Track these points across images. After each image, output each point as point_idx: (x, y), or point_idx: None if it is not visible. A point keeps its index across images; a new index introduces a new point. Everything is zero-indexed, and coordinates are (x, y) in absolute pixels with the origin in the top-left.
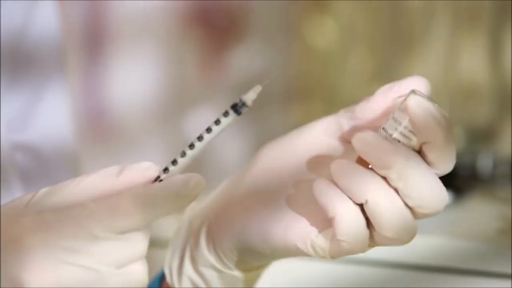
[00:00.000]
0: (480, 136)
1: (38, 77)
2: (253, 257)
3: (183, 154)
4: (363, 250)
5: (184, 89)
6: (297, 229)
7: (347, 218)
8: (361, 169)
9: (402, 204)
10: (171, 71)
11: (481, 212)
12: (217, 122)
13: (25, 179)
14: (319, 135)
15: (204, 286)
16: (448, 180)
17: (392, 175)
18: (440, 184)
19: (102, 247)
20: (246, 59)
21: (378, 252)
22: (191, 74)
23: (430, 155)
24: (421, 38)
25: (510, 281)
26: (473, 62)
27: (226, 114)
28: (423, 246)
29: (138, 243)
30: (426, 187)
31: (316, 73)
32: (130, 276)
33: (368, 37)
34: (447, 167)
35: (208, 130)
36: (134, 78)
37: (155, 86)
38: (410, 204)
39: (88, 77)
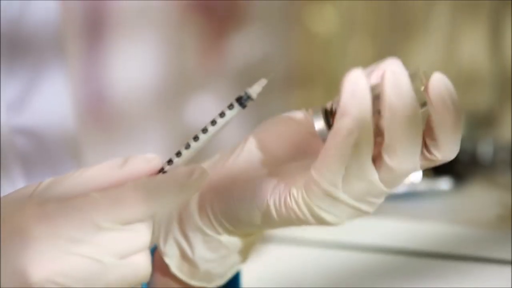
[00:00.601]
0: (480, 123)
1: (36, 61)
2: (240, 224)
3: (188, 146)
4: (336, 189)
5: (184, 76)
6: (277, 189)
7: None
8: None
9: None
10: (171, 57)
11: (481, 198)
12: (222, 114)
13: (25, 164)
14: (304, 120)
15: (188, 249)
16: (448, 167)
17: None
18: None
19: (106, 238)
20: (246, 45)
21: (377, 238)
22: (191, 61)
23: (438, 135)
24: (421, 25)
25: (510, 267)
26: (473, 49)
27: (231, 106)
28: (423, 232)
29: (142, 234)
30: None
31: (316, 60)
32: (133, 267)
33: (368, 24)
34: (450, 152)
35: (213, 122)
36: (135, 65)
37: (155, 73)
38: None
39: (88, 64)
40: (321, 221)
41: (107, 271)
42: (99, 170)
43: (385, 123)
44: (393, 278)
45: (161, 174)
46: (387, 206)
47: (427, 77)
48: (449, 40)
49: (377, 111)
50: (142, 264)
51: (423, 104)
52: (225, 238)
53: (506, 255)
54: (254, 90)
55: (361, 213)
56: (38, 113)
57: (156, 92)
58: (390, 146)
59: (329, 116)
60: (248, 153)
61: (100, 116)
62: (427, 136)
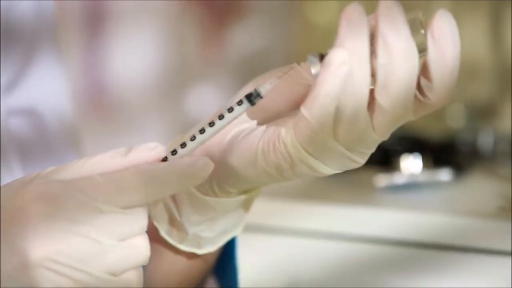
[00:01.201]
0: (480, 114)
1: (29, 47)
2: (227, 179)
3: (193, 138)
4: (329, 133)
5: (184, 67)
6: (267, 133)
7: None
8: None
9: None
10: (171, 48)
11: (481, 189)
12: (230, 109)
13: (22, 151)
14: (298, 73)
15: (175, 211)
16: (448, 157)
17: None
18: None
19: (106, 220)
20: (246, 37)
21: (377, 229)
22: (192, 52)
23: (434, 74)
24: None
25: (510, 259)
26: (473, 40)
27: (240, 102)
28: (423, 224)
29: (140, 218)
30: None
31: (317, 51)
32: (132, 249)
33: (368, 14)
34: (444, 96)
35: (220, 116)
36: (135, 55)
37: (155, 64)
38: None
39: (88, 55)
40: (310, 169)
41: (106, 252)
42: (103, 158)
43: (379, 59)
44: (393, 269)
45: (164, 162)
46: (387, 197)
47: (427, 24)
48: None
49: (373, 52)
50: (141, 246)
51: (422, 49)
52: (212, 199)
53: (506, 246)
54: (265, 88)
55: (351, 163)
56: (32, 95)
57: (156, 83)
58: (383, 85)
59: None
60: (237, 111)
61: (100, 107)
62: (422, 78)
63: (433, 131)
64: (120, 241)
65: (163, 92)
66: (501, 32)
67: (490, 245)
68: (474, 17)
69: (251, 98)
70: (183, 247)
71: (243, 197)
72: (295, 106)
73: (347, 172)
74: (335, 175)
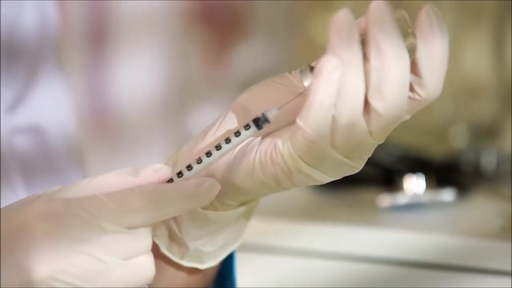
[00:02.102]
0: (483, 134)
1: (32, 66)
2: (225, 192)
3: (199, 161)
4: (326, 142)
5: (188, 86)
6: (263, 144)
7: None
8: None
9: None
10: (175, 67)
11: (484, 209)
12: (237, 133)
13: (26, 170)
14: (289, 82)
15: (175, 227)
16: (451, 177)
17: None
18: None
19: (109, 239)
20: (250, 56)
21: (380, 249)
22: (195, 71)
23: (423, 69)
24: None
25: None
26: (476, 60)
27: (247, 127)
28: (426, 244)
29: (145, 237)
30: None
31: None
32: (136, 268)
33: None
34: (434, 90)
35: (227, 140)
36: (138, 74)
37: (159, 83)
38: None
39: (91, 73)
40: (308, 179)
41: (110, 271)
42: (108, 178)
43: (371, 64)
44: None
45: (170, 183)
46: (390, 217)
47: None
48: (452, 51)
49: (365, 57)
50: (145, 265)
51: (411, 48)
52: (212, 213)
53: (508, 267)
54: (272, 114)
55: (349, 169)
56: (36, 113)
57: (159, 102)
58: (377, 89)
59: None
60: (231, 121)
61: (104, 125)
62: (412, 75)
63: (436, 151)
64: (124, 260)
65: (166, 111)
66: (503, 52)
67: (492, 265)
68: (476, 37)
69: (258, 122)
70: (185, 263)
71: (242, 208)
72: (289, 114)
73: (350, 192)
74: (338, 194)
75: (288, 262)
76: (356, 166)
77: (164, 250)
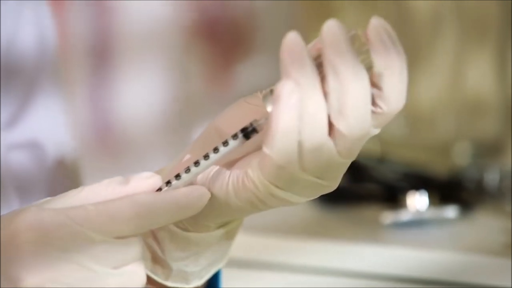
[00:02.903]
0: (486, 150)
1: (29, 84)
2: (205, 216)
3: (188, 170)
4: (295, 166)
5: (191, 103)
6: (234, 173)
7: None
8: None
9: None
10: (178, 84)
11: (487, 226)
12: (225, 143)
13: (23, 186)
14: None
15: (158, 250)
16: (454, 194)
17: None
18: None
19: (98, 249)
20: (252, 72)
21: (382, 266)
22: (198, 88)
23: (383, 82)
24: (427, 51)
25: None
26: (479, 77)
27: (235, 137)
28: (429, 261)
29: (134, 246)
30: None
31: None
32: (126, 277)
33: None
34: (396, 102)
35: (215, 150)
36: (141, 91)
37: (162, 100)
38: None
39: (94, 90)
40: (283, 201)
41: (100, 280)
42: (97, 188)
43: (329, 85)
44: None
45: (159, 192)
46: (393, 234)
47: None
48: (455, 68)
49: (323, 78)
50: (135, 273)
51: (368, 64)
52: (193, 234)
53: (511, 284)
54: (260, 124)
55: (324, 188)
56: (34, 129)
57: (162, 119)
58: (338, 111)
59: None
60: (206, 143)
61: (106, 142)
62: (372, 89)
63: (439, 168)
64: (113, 269)
65: (169, 128)
66: (506, 69)
67: (495, 282)
68: (479, 54)
69: (246, 132)
70: (170, 284)
71: (222, 230)
72: (258, 137)
73: (352, 208)
74: (341, 211)
75: (289, 279)
76: (330, 185)
77: (148, 272)
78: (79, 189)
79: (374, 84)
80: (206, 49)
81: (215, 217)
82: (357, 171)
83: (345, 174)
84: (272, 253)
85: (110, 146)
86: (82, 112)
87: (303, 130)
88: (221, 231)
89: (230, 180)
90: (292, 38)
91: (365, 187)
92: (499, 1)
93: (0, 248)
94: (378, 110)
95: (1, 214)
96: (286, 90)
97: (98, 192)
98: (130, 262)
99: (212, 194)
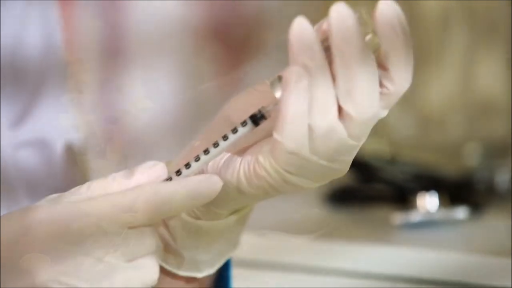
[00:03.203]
0: (497, 152)
1: (36, 81)
2: (217, 203)
3: (197, 159)
4: (307, 151)
5: (201, 104)
6: (245, 160)
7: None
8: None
9: None
10: (188, 85)
11: (497, 227)
12: (234, 130)
13: (31, 184)
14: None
15: (170, 239)
16: (465, 195)
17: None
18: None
19: (111, 240)
20: (263, 73)
21: (393, 267)
22: (208, 89)
23: (389, 63)
24: (437, 52)
25: None
26: (489, 77)
27: (244, 123)
28: (439, 262)
29: (147, 237)
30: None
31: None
32: (140, 270)
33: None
34: (403, 81)
35: (224, 137)
36: (150, 91)
37: (172, 101)
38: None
39: (102, 89)
40: (294, 187)
41: (113, 272)
42: (105, 182)
43: (337, 69)
44: None
45: (170, 181)
46: (403, 235)
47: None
48: (465, 69)
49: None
50: (149, 266)
51: (374, 45)
52: (205, 222)
53: None
54: (268, 110)
55: (335, 173)
56: (41, 128)
57: (171, 121)
58: (347, 93)
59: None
60: (216, 132)
61: (114, 142)
62: (379, 70)
63: (449, 169)
64: (127, 261)
65: (179, 130)
66: None
67: (506, 284)
68: (490, 55)
69: (255, 118)
70: (182, 273)
71: (234, 217)
72: (267, 124)
73: (362, 209)
74: (351, 212)
75: (299, 280)
76: (341, 169)
77: (160, 262)
78: (87, 184)
79: (380, 65)
80: (216, 50)
81: (227, 204)
82: (367, 172)
83: (355, 175)
84: (279, 253)
85: (118, 146)
86: (92, 113)
87: (313, 114)
88: (232, 218)
89: (241, 167)
90: (300, 23)
91: (375, 188)
92: (509, 1)
93: (9, 242)
94: (385, 90)
95: (11, 211)
96: (295, 75)
97: (106, 186)
98: (144, 254)
99: (223, 182)
